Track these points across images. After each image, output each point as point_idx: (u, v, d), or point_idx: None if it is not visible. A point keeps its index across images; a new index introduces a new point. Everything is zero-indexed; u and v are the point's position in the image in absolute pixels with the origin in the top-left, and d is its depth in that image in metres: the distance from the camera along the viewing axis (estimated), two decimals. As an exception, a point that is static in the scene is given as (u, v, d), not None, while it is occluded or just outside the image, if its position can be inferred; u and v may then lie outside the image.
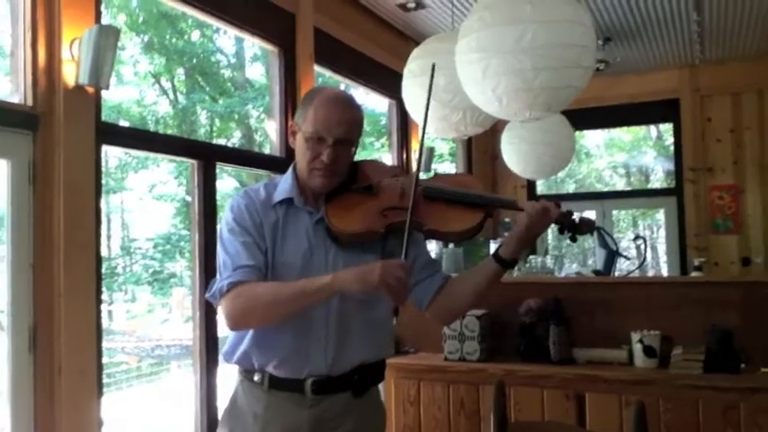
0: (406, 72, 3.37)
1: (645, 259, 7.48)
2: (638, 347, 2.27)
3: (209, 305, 3.19)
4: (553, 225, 1.68)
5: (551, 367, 2.35)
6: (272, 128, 4.28)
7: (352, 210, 1.70)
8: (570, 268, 6.07)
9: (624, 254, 6.98)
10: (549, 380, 2.30)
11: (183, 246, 9.24)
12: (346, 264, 1.66)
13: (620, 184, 13.01)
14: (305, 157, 1.68)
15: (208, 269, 3.32)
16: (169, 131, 9.00)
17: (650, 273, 9.32)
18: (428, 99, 1.83)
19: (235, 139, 9.96)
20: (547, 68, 2.47)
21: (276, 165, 4.06)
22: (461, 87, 2.89)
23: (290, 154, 4.06)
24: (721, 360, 2.21)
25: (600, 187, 12.82)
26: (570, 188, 11.70)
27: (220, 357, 1.64)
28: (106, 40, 2.61)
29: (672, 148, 9.79)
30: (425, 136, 1.78)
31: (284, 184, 1.73)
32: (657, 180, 11.97)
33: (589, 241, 10.98)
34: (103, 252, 8.91)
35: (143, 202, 9.25)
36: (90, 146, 2.72)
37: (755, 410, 2.06)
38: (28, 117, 2.51)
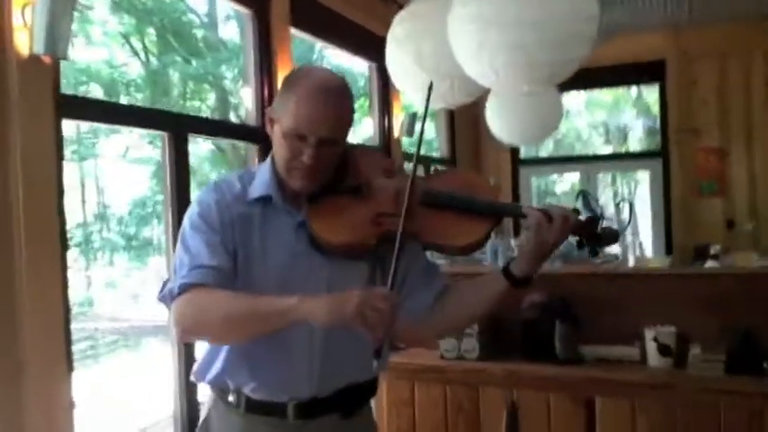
0: (390, 38, 3.16)
1: (629, 222, 7.46)
2: (651, 346, 2.11)
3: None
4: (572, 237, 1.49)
5: (557, 367, 2.19)
6: (246, 95, 4.06)
7: (339, 215, 1.47)
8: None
9: (608, 217, 6.91)
10: (556, 382, 2.13)
11: (159, 211, 9.03)
12: (332, 272, 1.46)
13: (599, 143, 12.91)
14: (283, 155, 1.45)
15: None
16: (140, 95, 8.67)
17: (630, 238, 9.30)
18: (423, 119, 1.62)
19: (210, 101, 9.64)
20: (550, 42, 2.28)
21: (252, 135, 3.85)
22: (450, 55, 2.70)
23: (265, 124, 3.90)
24: (743, 360, 2.06)
25: (579, 147, 12.72)
26: (549, 147, 11.58)
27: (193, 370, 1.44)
28: (62, 5, 2.38)
29: (653, 108, 9.73)
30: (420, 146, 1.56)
31: (261, 178, 1.51)
32: (637, 140, 11.88)
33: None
34: (78, 219, 8.73)
35: (117, 167, 8.98)
36: (49, 121, 2.53)
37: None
38: (-23, 92, 2.30)
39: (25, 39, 2.37)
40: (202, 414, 1.57)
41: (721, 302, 2.15)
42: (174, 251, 3.03)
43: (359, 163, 1.56)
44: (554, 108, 4.04)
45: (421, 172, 1.59)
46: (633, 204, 6.48)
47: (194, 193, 3.35)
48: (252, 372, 1.45)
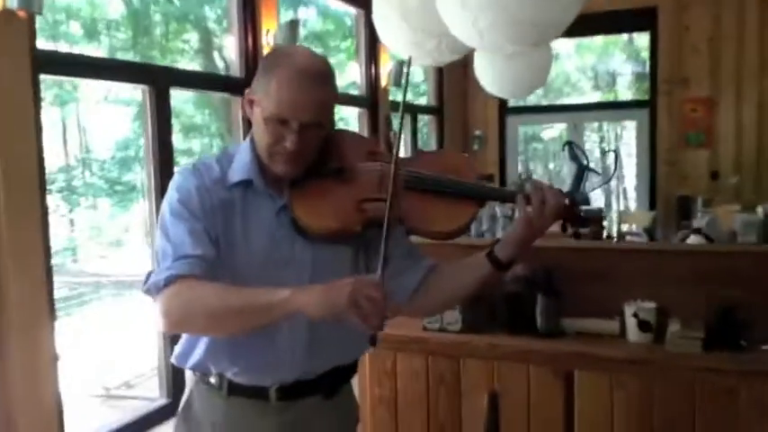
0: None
1: (615, 172, 7.46)
2: (632, 321, 2.12)
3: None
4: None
5: (539, 341, 2.19)
6: (230, 43, 3.96)
7: (323, 200, 1.43)
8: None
9: (594, 168, 6.90)
10: (537, 355, 2.15)
11: (141, 155, 8.91)
12: (315, 257, 1.43)
13: (587, 87, 12.80)
14: (264, 139, 1.39)
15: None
16: (121, 35, 8.43)
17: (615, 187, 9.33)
18: (404, 94, 1.55)
19: (193, 42, 9.39)
20: (534, 2, 2.21)
21: (236, 87, 3.78)
22: (436, 12, 2.62)
23: (250, 74, 3.82)
24: (722, 337, 2.07)
25: (568, 91, 12.60)
26: (538, 92, 11.43)
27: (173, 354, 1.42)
28: (36, -41, 2.29)
29: (643, 53, 9.62)
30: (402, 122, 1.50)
31: (241, 161, 1.45)
32: (626, 85, 11.78)
33: (558, 163, 10.91)
34: (60, 164, 8.60)
35: (99, 109, 8.80)
36: (25, 77, 2.47)
37: (756, 396, 1.95)
38: (-50, 49, 2.23)
39: (-2, -7, 2.31)
40: (184, 395, 1.56)
41: (703, 279, 2.16)
42: (156, 206, 3.08)
43: (342, 145, 1.51)
44: (544, 62, 3.97)
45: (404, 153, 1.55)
46: (619, 154, 6.43)
47: (177, 144, 3.31)
48: (234, 357, 1.44)
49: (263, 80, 1.39)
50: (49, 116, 7.57)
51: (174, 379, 3.14)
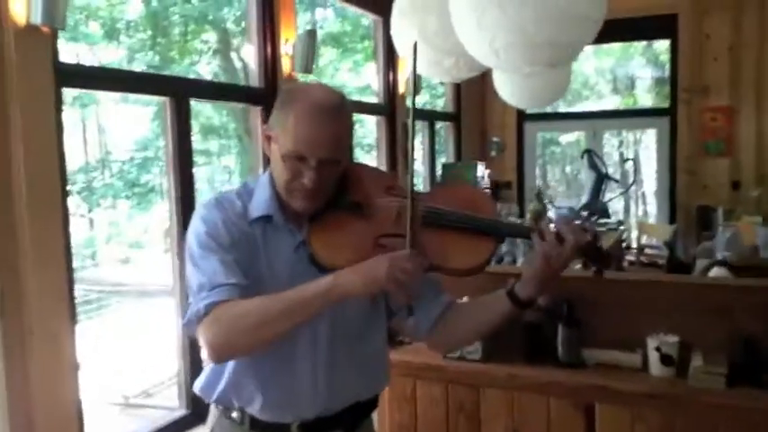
0: (395, 10, 3.05)
1: (634, 182, 7.42)
2: (654, 355, 2.10)
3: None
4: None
5: (559, 371, 2.17)
6: (249, 53, 3.96)
7: (341, 235, 1.43)
8: (561, 205, 5.92)
9: (613, 177, 6.86)
10: (557, 386, 2.13)
11: (160, 155, 8.95)
12: None
13: (606, 90, 12.71)
14: (282, 176, 1.40)
15: (186, 219, 3.13)
16: (140, 35, 8.48)
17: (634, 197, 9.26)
18: (413, 97, 1.55)
19: (211, 43, 9.43)
20: (551, 23, 2.18)
21: (256, 98, 3.78)
22: (454, 31, 2.61)
23: (270, 85, 3.83)
24: (745, 373, 2.05)
25: (586, 94, 12.53)
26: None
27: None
28: (58, -25, 2.32)
29: (662, 56, 9.53)
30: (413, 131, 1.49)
31: (261, 196, 1.45)
32: (645, 89, 11.69)
33: (574, 166, 10.84)
34: (79, 163, 8.67)
35: (118, 110, 8.86)
36: (49, 91, 2.49)
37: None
38: (-25, 65, 2.26)
39: (22, 10, 2.32)
40: (207, 429, 1.58)
41: (726, 313, 2.13)
42: (176, 209, 3.10)
43: (360, 179, 1.51)
44: (563, 78, 3.95)
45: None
46: (638, 162, 6.39)
47: (195, 145, 3.33)
48: (256, 391, 1.44)
49: (280, 116, 1.39)
50: (69, 117, 7.65)
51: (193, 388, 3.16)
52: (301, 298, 1.28)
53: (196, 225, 1.43)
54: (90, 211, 8.62)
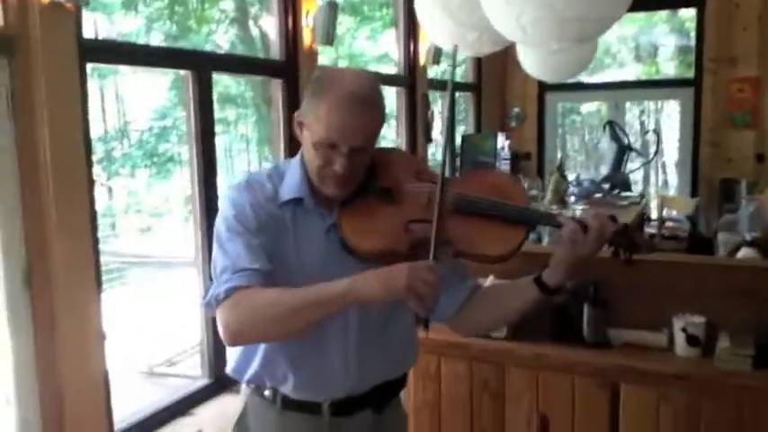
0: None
1: (656, 153, 7.34)
2: (680, 335, 2.09)
3: (210, 209, 3.12)
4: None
5: (585, 351, 2.17)
6: (270, 25, 3.93)
7: (371, 220, 1.44)
8: (583, 178, 5.86)
9: (635, 148, 6.79)
10: (582, 366, 2.14)
11: (178, 124, 8.96)
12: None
13: (628, 59, 12.50)
14: (314, 163, 1.41)
15: (208, 194, 3.15)
16: (157, 5, 8.44)
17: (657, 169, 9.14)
18: (452, 93, 1.54)
19: (228, 12, 9.36)
20: (579, -3, 2.14)
21: (277, 71, 3.77)
22: (478, 6, 2.56)
23: (291, 57, 3.80)
24: (773, 354, 2.05)
25: (608, 62, 12.34)
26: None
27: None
28: (83, -49, 2.30)
29: (687, 24, 9.34)
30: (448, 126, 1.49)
31: (292, 179, 1.46)
32: (668, 58, 11.47)
33: (594, 136, 10.71)
34: (98, 133, 8.68)
35: (137, 79, 8.85)
36: (73, 67, 2.49)
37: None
38: (1, 41, 2.25)
39: (47, -15, 2.32)
40: (238, 407, 1.60)
41: (753, 294, 2.12)
42: (197, 182, 3.11)
43: (391, 164, 1.53)
44: (588, 51, 3.89)
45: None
46: (660, 134, 6.30)
47: (218, 126, 3.34)
48: (288, 372, 1.47)
49: (312, 103, 1.39)
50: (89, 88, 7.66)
51: (216, 358, 3.20)
52: (318, 298, 1.30)
53: (225, 208, 1.45)
54: (108, 179, 8.68)
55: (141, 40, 8.11)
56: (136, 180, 9.10)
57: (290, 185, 1.46)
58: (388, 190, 1.48)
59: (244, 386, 1.59)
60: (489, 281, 1.63)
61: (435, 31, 3.10)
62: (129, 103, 9.27)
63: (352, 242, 1.42)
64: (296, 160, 1.50)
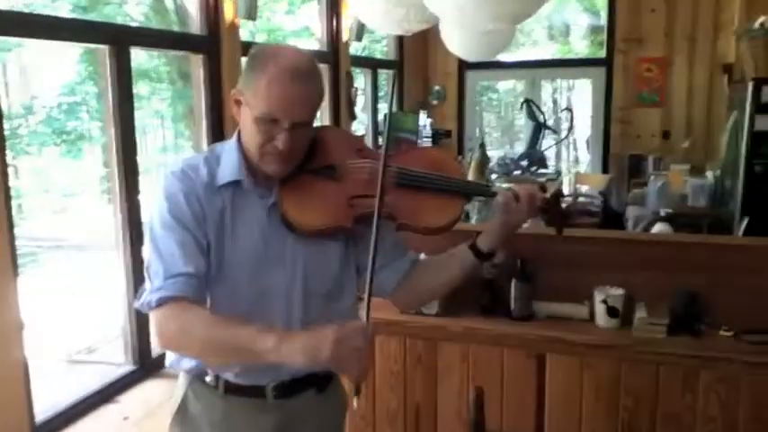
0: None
1: (570, 130, 7.59)
2: (600, 307, 2.21)
3: (130, 188, 3.02)
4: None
5: (512, 325, 2.27)
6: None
7: (313, 198, 1.45)
8: (503, 155, 6.02)
9: (550, 126, 7.01)
10: (510, 338, 2.23)
11: (88, 99, 8.55)
12: (306, 252, 1.45)
13: (543, 37, 12.82)
14: (254, 140, 1.38)
15: (128, 174, 3.05)
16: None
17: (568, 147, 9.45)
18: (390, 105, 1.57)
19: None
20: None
21: (198, 46, 3.67)
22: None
23: (212, 32, 3.71)
24: (684, 322, 2.19)
25: (524, 41, 12.60)
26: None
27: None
28: None
29: (598, 3, 9.65)
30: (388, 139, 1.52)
31: (228, 161, 1.44)
32: (580, 37, 11.84)
33: (510, 114, 10.96)
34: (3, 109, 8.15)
35: (44, 53, 8.36)
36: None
37: (714, 379, 2.09)
38: None
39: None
40: (177, 396, 1.56)
41: (667, 267, 2.26)
42: (118, 172, 3.01)
43: (331, 142, 1.52)
44: (511, 30, 3.97)
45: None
46: (572, 111, 6.51)
47: (137, 101, 3.22)
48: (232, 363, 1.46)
49: (251, 79, 1.37)
50: (-9, 61, 7.22)
51: (140, 344, 3.13)
52: (243, 344, 1.28)
53: (159, 200, 1.41)
54: (14, 159, 8.22)
55: (47, 11, 7.67)
56: (44, 159, 8.65)
57: (227, 168, 1.44)
58: (331, 167, 1.49)
59: (182, 374, 1.56)
60: (421, 257, 1.68)
61: (361, 6, 3.10)
62: (34, 77, 8.77)
63: (295, 220, 1.42)
64: (232, 142, 1.47)
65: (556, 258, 2.26)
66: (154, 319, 1.34)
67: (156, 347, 1.43)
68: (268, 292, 1.44)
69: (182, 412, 1.54)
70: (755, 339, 2.12)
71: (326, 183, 1.47)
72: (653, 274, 2.24)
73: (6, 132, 2.48)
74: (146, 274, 1.39)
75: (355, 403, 1.32)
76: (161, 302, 1.32)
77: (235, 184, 1.44)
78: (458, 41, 4.08)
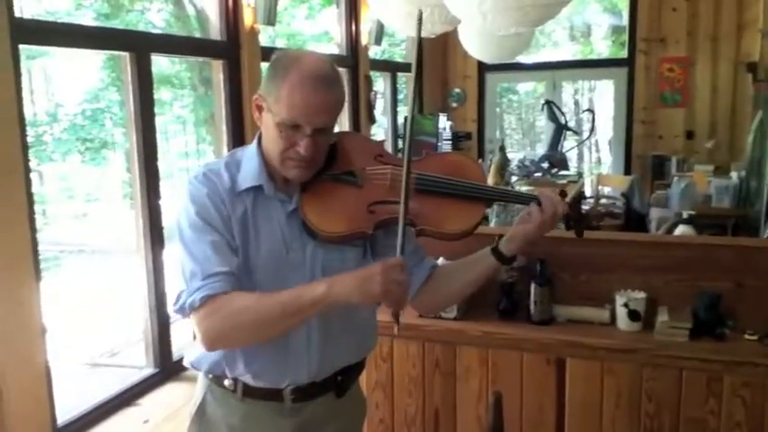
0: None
1: (591, 131, 7.52)
2: (622, 311, 2.18)
3: (152, 193, 3.04)
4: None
5: (532, 328, 2.25)
6: (210, 4, 3.84)
7: (333, 204, 1.45)
8: (524, 158, 5.98)
9: (572, 127, 6.95)
10: (530, 343, 2.20)
11: (111, 107, 8.66)
12: (327, 258, 1.46)
13: (563, 38, 12.74)
14: (276, 145, 1.39)
15: (149, 179, 3.08)
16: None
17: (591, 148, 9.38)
18: (418, 55, 1.56)
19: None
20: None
21: (218, 52, 3.69)
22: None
23: (232, 38, 3.73)
24: (707, 326, 2.16)
25: (544, 42, 12.53)
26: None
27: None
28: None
29: (620, 4, 9.57)
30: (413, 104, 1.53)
31: (249, 167, 1.45)
32: (601, 35, 11.75)
33: (531, 115, 10.90)
34: (28, 116, 8.27)
35: (68, 60, 8.48)
36: (5, 48, 2.37)
37: (738, 383, 2.05)
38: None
39: (-26, -38, 2.22)
40: (196, 398, 1.58)
41: (690, 270, 2.23)
42: (140, 179, 3.04)
43: (351, 148, 1.53)
44: (529, 32, 3.95)
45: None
46: (594, 113, 6.43)
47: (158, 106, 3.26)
48: (250, 361, 1.46)
49: (272, 85, 1.38)
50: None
51: (161, 347, 3.15)
52: (296, 303, 1.31)
53: (186, 204, 1.43)
54: (39, 165, 8.33)
55: (71, 19, 7.80)
56: (68, 165, 8.77)
57: (248, 173, 1.45)
58: (351, 173, 1.49)
59: (201, 376, 1.57)
60: (440, 262, 1.67)
61: (382, 8, 3.09)
62: (59, 84, 8.90)
63: (316, 225, 1.43)
64: (252, 147, 1.49)
65: (576, 261, 2.25)
66: (198, 318, 1.34)
67: (205, 349, 1.42)
68: None
69: (200, 414, 1.55)
70: (781, 343, 2.09)
71: (347, 189, 1.48)
72: (675, 276, 2.21)
73: (31, 139, 2.52)
74: (181, 279, 1.40)
75: (396, 330, 1.39)
76: (204, 301, 1.33)
77: (256, 189, 1.45)
78: (477, 44, 4.06)
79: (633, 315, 2.16)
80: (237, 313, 1.33)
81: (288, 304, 1.32)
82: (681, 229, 2.45)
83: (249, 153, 1.48)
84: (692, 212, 2.68)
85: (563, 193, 1.55)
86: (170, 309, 1.42)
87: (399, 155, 1.50)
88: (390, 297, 1.28)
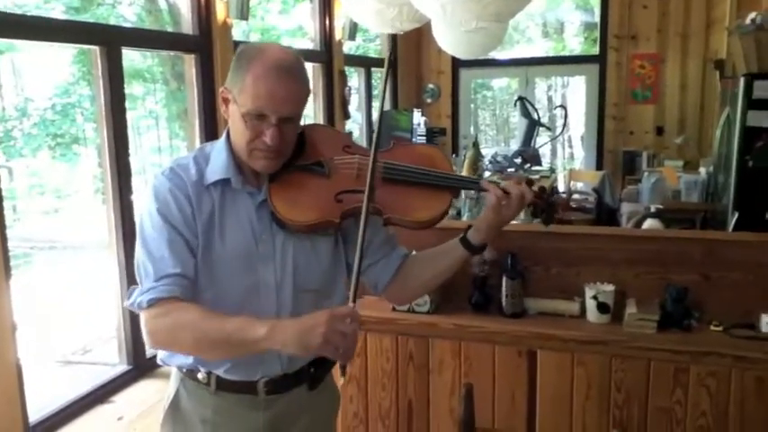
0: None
1: (564, 127, 7.59)
2: (591, 303, 2.23)
3: (123, 189, 3.02)
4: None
5: (504, 322, 2.28)
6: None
7: (301, 193, 1.47)
8: (496, 153, 6.03)
9: (545, 123, 7.01)
10: (502, 336, 2.24)
11: (82, 101, 8.54)
12: (297, 248, 1.47)
13: (537, 35, 12.83)
14: (243, 136, 1.40)
15: (121, 175, 3.05)
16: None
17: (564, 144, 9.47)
18: (382, 96, 1.58)
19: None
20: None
21: (190, 46, 3.67)
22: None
23: (204, 32, 3.71)
24: (674, 318, 2.21)
25: (518, 38, 12.61)
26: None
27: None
28: None
29: (591, 1, 9.66)
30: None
31: (218, 160, 1.46)
32: (573, 32, 11.85)
33: (505, 111, 10.97)
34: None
35: (35, 55, 8.34)
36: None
37: (704, 373, 2.10)
38: None
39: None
40: (169, 392, 1.58)
41: (658, 263, 2.28)
42: (111, 174, 3.02)
43: (318, 139, 1.55)
44: (503, 25, 3.96)
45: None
46: (567, 109, 6.47)
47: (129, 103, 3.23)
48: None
49: (238, 76, 1.39)
50: (-17, 63, 7.19)
51: (134, 344, 3.14)
52: (239, 335, 1.30)
53: (149, 200, 1.43)
54: (8, 161, 8.18)
55: (40, 12, 7.66)
56: (38, 160, 8.62)
57: (217, 166, 1.46)
58: (318, 163, 1.50)
59: (175, 371, 1.58)
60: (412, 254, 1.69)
61: (353, 6, 3.10)
62: (28, 79, 8.75)
63: (284, 215, 1.44)
64: (221, 141, 1.49)
65: (548, 255, 2.28)
66: (144, 319, 1.36)
67: (148, 347, 1.44)
68: (258, 288, 1.46)
69: (174, 408, 1.56)
70: (745, 334, 2.14)
71: (315, 179, 1.49)
72: (644, 269, 2.26)
73: (0, 135, 2.48)
74: (136, 274, 1.41)
75: (341, 381, 1.38)
76: (151, 303, 1.34)
77: (224, 182, 1.46)
78: (449, 39, 4.07)
79: (602, 307, 2.21)
80: (180, 328, 1.34)
81: (229, 335, 1.30)
82: (649, 223, 2.50)
83: (218, 147, 1.49)
84: (660, 206, 2.73)
85: (530, 182, 1.56)
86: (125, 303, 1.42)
87: (369, 146, 1.51)
88: (330, 350, 1.24)
